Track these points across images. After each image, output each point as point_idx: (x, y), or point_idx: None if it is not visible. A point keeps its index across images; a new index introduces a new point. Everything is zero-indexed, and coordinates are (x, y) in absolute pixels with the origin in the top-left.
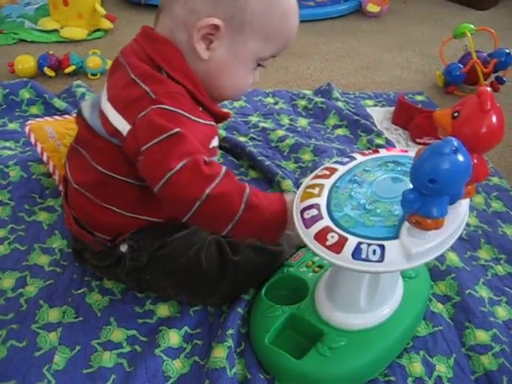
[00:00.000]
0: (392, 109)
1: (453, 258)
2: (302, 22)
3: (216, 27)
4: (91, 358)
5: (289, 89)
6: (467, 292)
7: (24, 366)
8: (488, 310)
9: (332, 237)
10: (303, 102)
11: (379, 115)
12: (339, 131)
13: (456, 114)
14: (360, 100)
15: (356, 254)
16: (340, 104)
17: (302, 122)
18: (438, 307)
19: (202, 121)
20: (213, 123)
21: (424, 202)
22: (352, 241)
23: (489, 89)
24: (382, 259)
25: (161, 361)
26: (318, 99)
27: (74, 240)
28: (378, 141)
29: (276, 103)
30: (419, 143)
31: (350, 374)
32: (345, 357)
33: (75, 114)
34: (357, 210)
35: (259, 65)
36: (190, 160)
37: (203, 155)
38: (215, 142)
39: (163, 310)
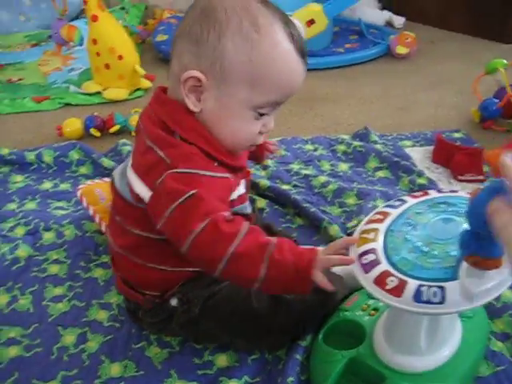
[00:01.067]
0: (431, 148)
1: (507, 294)
2: (332, 68)
3: (198, 79)
4: None
5: (326, 135)
6: None
7: None
8: None
9: (392, 281)
10: (342, 147)
11: (418, 155)
12: (380, 173)
13: (508, 155)
14: (398, 141)
15: (417, 296)
16: (379, 146)
17: (343, 166)
18: (498, 345)
19: (218, 175)
20: (229, 176)
21: (482, 242)
22: (412, 284)
23: None
24: (443, 301)
25: None
26: (357, 143)
27: (127, 300)
28: (420, 181)
29: (315, 150)
30: (461, 180)
31: None
32: None
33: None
34: (413, 252)
35: (263, 114)
36: (210, 221)
37: (223, 212)
38: (239, 192)
39: (222, 360)
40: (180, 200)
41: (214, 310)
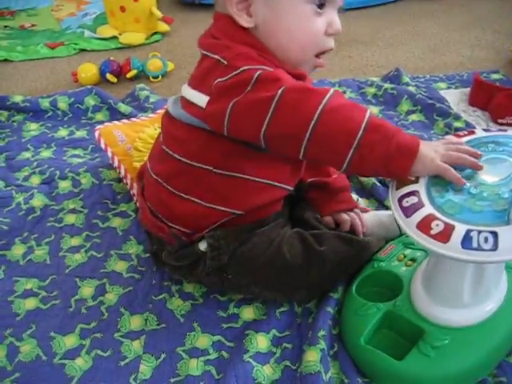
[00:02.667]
0: (467, 90)
1: None
2: (359, 8)
3: None
4: (177, 366)
5: (355, 77)
6: None
7: (110, 375)
8: None
9: (437, 225)
10: (372, 90)
11: (454, 97)
12: (414, 117)
13: None
14: (432, 83)
15: (466, 242)
16: (411, 88)
17: (374, 110)
18: None
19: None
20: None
21: None
22: (460, 228)
23: None
24: (495, 247)
25: (250, 367)
26: (388, 85)
27: (151, 240)
28: (457, 124)
29: (344, 93)
30: (502, 123)
31: (456, 375)
32: (450, 356)
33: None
34: (460, 194)
35: (321, 5)
36: (289, 84)
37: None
38: None
39: (248, 313)
40: (250, 82)
41: (244, 258)
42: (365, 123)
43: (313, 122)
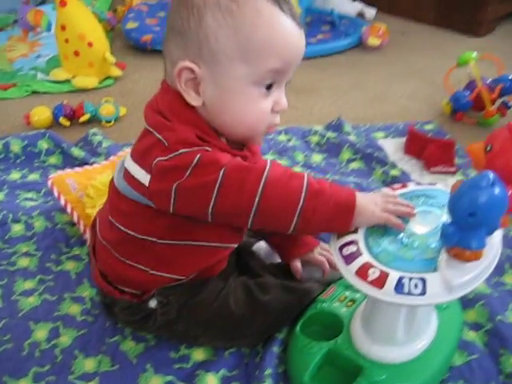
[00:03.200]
0: (403, 139)
1: (480, 285)
2: (305, 59)
3: (191, 70)
4: None
5: (300, 125)
6: (498, 318)
7: None
8: None
9: (373, 272)
10: (316, 138)
11: (391, 146)
12: (354, 165)
13: (489, 148)
14: (371, 132)
15: (398, 288)
16: (352, 138)
17: (317, 157)
18: (471, 335)
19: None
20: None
21: (463, 234)
22: (393, 275)
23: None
24: (424, 292)
25: None
26: (330, 134)
27: (103, 294)
28: (393, 172)
29: (289, 140)
30: (433, 172)
31: None
32: None
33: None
34: (394, 244)
35: (269, 87)
36: (229, 165)
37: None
38: None
39: (198, 354)
40: (191, 166)
41: (192, 311)
42: (304, 190)
43: (257, 198)
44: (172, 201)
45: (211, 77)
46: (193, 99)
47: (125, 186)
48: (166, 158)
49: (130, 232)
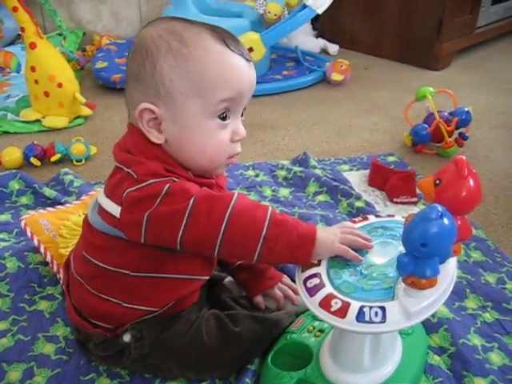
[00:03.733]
0: (367, 172)
1: (443, 310)
2: (271, 94)
3: (151, 110)
4: None
5: (267, 160)
6: (461, 342)
7: None
8: (483, 357)
9: (336, 303)
10: (283, 173)
11: (356, 179)
12: (320, 197)
13: (438, 182)
14: (336, 165)
15: (360, 317)
16: (318, 171)
17: (284, 191)
18: (436, 359)
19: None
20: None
21: (417, 264)
22: (355, 305)
23: (464, 157)
24: (384, 320)
25: None
26: (297, 168)
27: (77, 331)
28: (358, 203)
29: (257, 175)
30: (397, 202)
31: None
32: None
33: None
34: (354, 275)
35: (224, 118)
36: (198, 194)
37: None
38: None
39: None
40: (160, 196)
41: (167, 345)
42: (267, 221)
43: (223, 226)
44: (143, 230)
45: (170, 115)
46: (155, 138)
47: (98, 221)
48: (135, 188)
49: (103, 265)
